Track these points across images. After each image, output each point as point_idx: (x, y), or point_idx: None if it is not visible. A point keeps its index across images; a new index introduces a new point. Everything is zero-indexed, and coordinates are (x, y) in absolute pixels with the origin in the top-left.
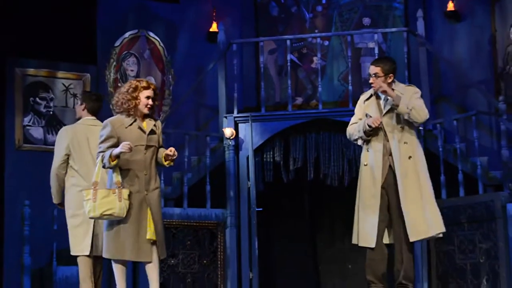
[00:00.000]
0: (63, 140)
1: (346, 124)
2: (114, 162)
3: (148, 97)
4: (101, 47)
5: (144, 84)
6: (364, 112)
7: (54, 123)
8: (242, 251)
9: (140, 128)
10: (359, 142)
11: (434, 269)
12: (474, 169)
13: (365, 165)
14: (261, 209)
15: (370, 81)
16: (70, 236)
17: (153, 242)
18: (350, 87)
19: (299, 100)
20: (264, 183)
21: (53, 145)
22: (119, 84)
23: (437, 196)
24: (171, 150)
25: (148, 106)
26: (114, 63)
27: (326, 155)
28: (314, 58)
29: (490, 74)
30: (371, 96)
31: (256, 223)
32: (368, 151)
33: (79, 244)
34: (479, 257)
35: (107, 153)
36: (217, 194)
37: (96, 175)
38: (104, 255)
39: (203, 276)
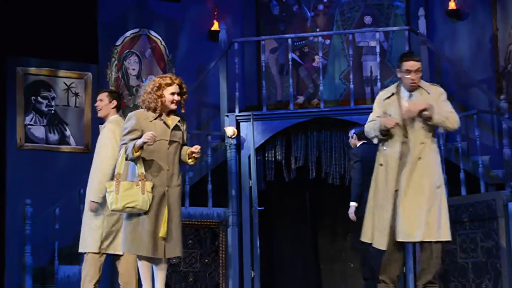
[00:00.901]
0: (117, 134)
1: (347, 122)
2: (138, 153)
3: (173, 93)
4: (102, 46)
5: (167, 80)
6: (383, 110)
7: (55, 122)
8: (243, 250)
9: (165, 123)
10: (375, 140)
11: None
12: (475, 168)
13: (380, 164)
14: (262, 208)
15: (412, 77)
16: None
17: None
18: (351, 86)
19: (301, 99)
20: (266, 182)
21: (55, 144)
22: (120, 83)
23: None
24: (196, 148)
25: (174, 102)
26: (116, 62)
27: (328, 154)
28: (316, 57)
29: (491, 73)
30: (392, 94)
31: (258, 222)
32: (384, 150)
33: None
34: (481, 256)
35: (130, 145)
36: (218, 193)
37: (119, 167)
38: (122, 250)
39: (205, 275)
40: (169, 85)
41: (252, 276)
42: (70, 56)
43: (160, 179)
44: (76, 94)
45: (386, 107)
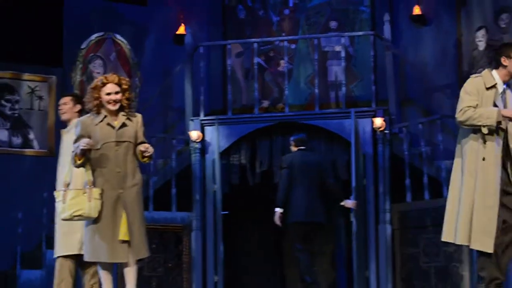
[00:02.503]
0: None
1: (312, 127)
2: (80, 161)
3: (108, 93)
4: (67, 49)
5: (103, 81)
6: (481, 97)
7: (19, 126)
8: (207, 254)
9: (109, 124)
10: (485, 130)
11: (398, 272)
12: (439, 173)
13: (483, 159)
14: (227, 212)
15: None
16: None
17: (129, 243)
18: (316, 91)
19: (266, 103)
20: (230, 186)
21: (19, 147)
22: (84, 87)
23: (402, 199)
24: (145, 147)
25: (111, 102)
26: (80, 65)
27: None
28: (281, 61)
29: (455, 78)
30: (495, 85)
31: (222, 226)
32: (484, 144)
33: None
34: (443, 260)
35: (73, 153)
36: (182, 197)
37: (65, 176)
38: (84, 258)
39: (168, 279)
40: (103, 85)
41: (216, 280)
42: (35, 59)
43: (111, 183)
44: (40, 98)
45: (489, 98)
